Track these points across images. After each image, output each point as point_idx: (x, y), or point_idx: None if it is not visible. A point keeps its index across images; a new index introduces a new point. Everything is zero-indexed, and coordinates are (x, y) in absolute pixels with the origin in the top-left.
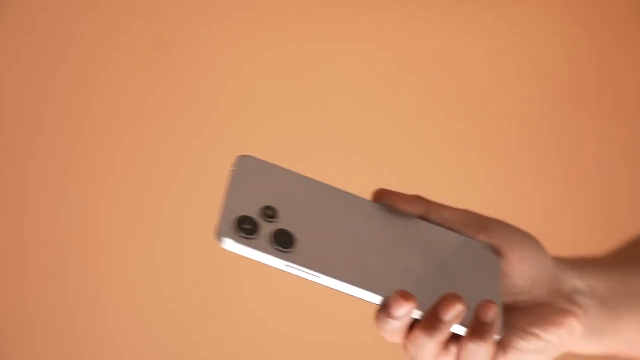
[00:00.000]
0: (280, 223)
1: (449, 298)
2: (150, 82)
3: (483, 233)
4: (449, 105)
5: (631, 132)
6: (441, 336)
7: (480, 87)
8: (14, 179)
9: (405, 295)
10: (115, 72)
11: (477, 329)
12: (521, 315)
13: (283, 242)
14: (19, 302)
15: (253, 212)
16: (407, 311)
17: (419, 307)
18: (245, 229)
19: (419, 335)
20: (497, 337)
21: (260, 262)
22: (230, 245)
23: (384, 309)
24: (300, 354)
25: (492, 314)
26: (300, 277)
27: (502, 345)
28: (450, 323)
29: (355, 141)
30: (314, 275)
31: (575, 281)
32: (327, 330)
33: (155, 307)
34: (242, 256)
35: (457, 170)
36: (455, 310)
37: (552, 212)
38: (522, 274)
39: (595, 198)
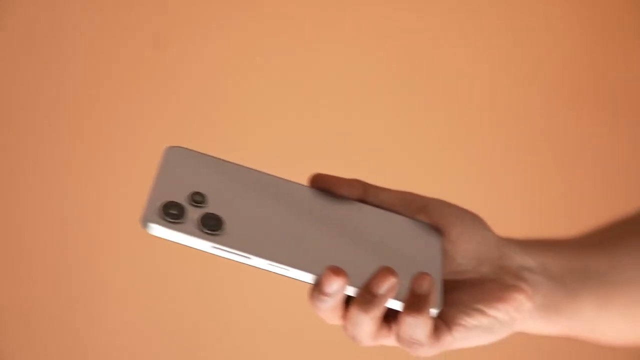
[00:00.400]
0: (209, 208)
1: (382, 271)
2: (150, 81)
3: (423, 213)
4: (449, 105)
5: (631, 132)
6: (376, 311)
7: (479, 86)
8: (13, 178)
9: (336, 271)
10: (115, 71)
11: (413, 302)
12: (467, 293)
13: (211, 225)
14: (19, 302)
15: (181, 198)
16: (339, 287)
17: (353, 284)
18: (171, 214)
19: (354, 312)
20: (434, 310)
21: (190, 247)
22: (157, 230)
23: (317, 287)
24: (300, 354)
25: (427, 285)
26: (232, 259)
27: (446, 322)
28: (385, 297)
29: (356, 141)
30: (243, 256)
31: (525, 259)
32: (326, 330)
33: (154, 307)
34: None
35: (455, 170)
36: (389, 283)
37: (552, 210)
38: (465, 252)
39: (595, 197)
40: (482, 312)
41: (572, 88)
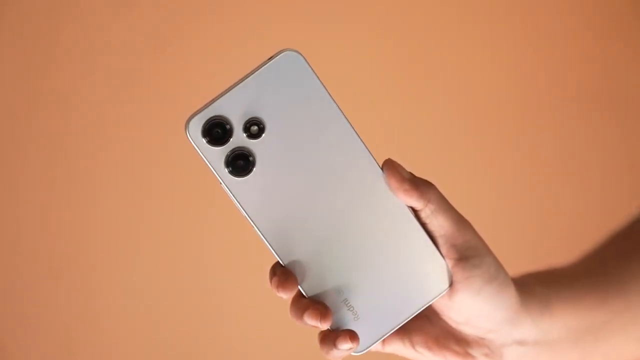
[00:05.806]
0: (253, 145)
1: (317, 308)
2: (150, 82)
3: (457, 261)
4: (450, 104)
5: (632, 132)
6: (303, 324)
7: (480, 86)
8: (13, 178)
9: (284, 284)
10: (116, 72)
11: (328, 342)
12: (427, 331)
13: (237, 168)
14: (18, 302)
15: (238, 120)
16: (285, 295)
17: (307, 292)
18: (212, 133)
19: (290, 310)
20: (355, 353)
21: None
22: (191, 140)
23: (274, 280)
24: (297, 354)
25: (346, 348)
26: (234, 204)
27: (384, 340)
28: (310, 326)
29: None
30: (241, 210)
31: (527, 329)
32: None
33: (154, 307)
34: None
35: (455, 170)
36: (313, 323)
37: (552, 210)
38: (459, 312)
39: (595, 197)
40: (420, 353)
41: (572, 88)
